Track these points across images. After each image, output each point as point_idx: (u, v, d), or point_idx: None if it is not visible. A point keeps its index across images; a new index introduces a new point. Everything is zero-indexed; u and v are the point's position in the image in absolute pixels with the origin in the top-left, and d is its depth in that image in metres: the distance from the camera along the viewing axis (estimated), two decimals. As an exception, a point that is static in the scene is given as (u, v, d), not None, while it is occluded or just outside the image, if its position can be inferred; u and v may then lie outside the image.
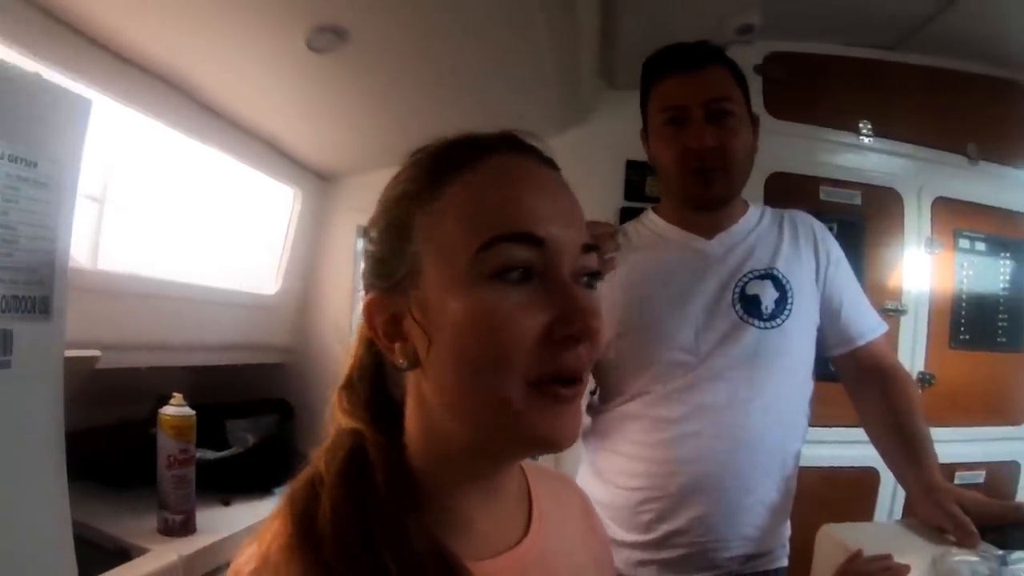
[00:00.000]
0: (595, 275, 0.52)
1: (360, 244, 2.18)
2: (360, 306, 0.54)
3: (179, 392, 1.35)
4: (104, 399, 1.48)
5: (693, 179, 1.11)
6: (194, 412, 1.34)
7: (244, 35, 1.32)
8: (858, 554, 0.82)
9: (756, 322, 1.09)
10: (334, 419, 0.55)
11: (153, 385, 1.56)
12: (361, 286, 0.56)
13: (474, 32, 1.48)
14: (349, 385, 0.57)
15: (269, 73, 1.52)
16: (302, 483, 0.51)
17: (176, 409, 1.32)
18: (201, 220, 1.87)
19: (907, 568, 0.75)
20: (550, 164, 0.55)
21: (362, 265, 0.56)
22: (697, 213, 1.16)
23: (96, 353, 1.16)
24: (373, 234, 0.54)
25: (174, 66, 1.40)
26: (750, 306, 1.10)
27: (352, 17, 1.31)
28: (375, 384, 0.56)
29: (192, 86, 1.49)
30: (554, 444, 0.50)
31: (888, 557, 0.78)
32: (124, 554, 1.18)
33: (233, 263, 2.03)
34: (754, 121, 1.17)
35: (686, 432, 1.06)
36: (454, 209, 0.50)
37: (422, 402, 0.53)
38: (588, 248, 0.51)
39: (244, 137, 1.81)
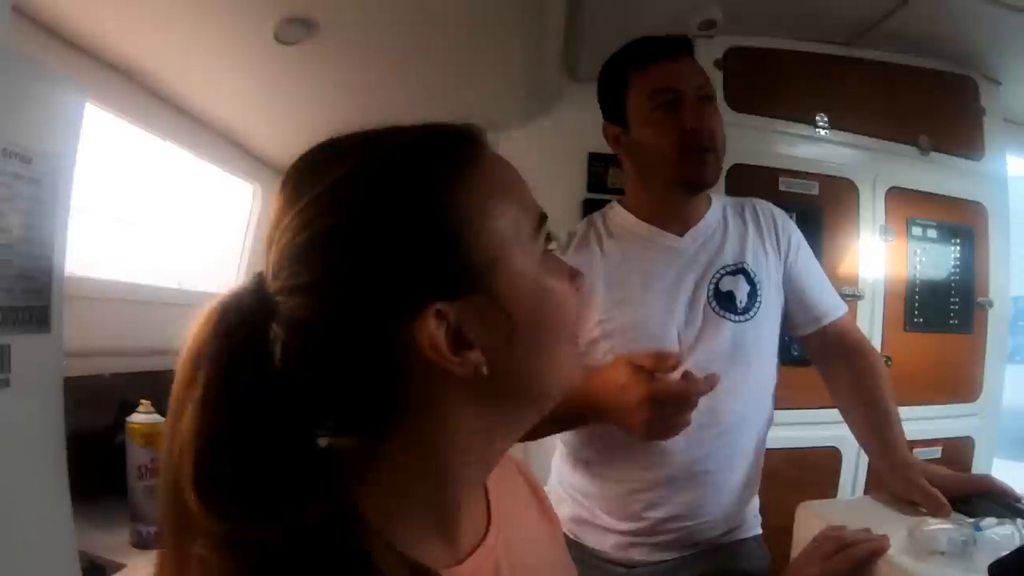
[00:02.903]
0: None
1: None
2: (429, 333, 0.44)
3: (144, 398, 1.30)
4: (66, 408, 1.42)
5: (692, 159, 1.10)
6: (164, 419, 1.29)
7: (210, 25, 1.28)
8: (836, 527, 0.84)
9: (731, 316, 1.12)
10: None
11: (114, 391, 1.51)
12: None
13: (444, 24, 1.47)
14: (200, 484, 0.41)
15: (233, 64, 1.47)
16: None
17: (145, 416, 1.28)
18: (161, 219, 1.81)
19: (886, 539, 0.78)
20: None
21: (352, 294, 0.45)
22: (672, 205, 1.17)
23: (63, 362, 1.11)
24: (372, 245, 0.45)
25: (130, 55, 1.33)
26: (725, 301, 1.13)
27: (323, 8, 1.29)
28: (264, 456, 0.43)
29: (150, 77, 1.43)
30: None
31: (867, 531, 0.80)
32: (99, 571, 1.14)
33: (194, 263, 1.97)
34: None
35: None
36: (499, 191, 0.49)
37: (456, 416, 0.48)
38: None
39: (203, 131, 1.74)
